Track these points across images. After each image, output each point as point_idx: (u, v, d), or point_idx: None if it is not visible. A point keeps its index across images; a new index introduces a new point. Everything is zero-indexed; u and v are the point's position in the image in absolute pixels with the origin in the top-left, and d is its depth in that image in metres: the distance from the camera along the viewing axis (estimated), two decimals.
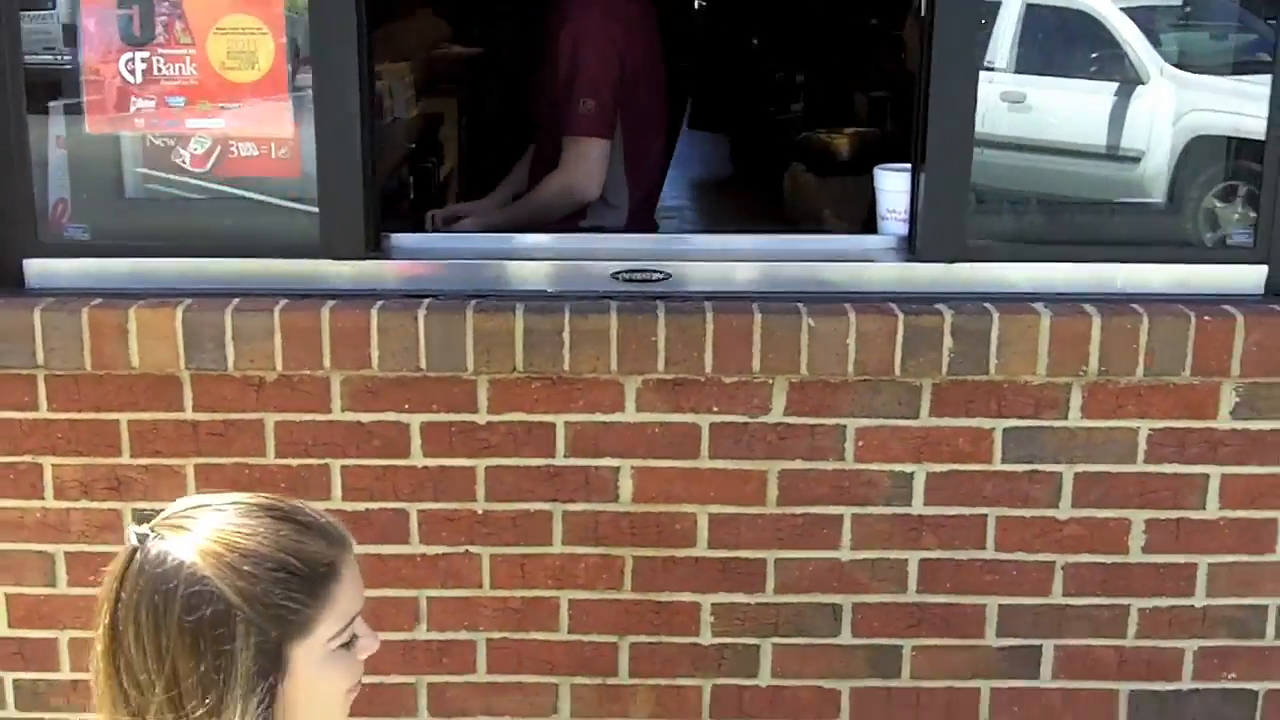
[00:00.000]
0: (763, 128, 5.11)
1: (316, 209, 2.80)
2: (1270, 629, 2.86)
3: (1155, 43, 3.64)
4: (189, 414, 2.78)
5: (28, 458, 2.81)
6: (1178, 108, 3.39)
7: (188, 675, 1.49)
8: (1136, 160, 3.23)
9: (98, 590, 1.57)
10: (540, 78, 3.38)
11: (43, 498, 2.83)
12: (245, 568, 1.51)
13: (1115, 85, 3.60)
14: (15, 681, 2.93)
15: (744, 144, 5.25)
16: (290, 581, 1.52)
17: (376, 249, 2.84)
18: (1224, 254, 2.88)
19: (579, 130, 3.24)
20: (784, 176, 5.24)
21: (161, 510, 1.61)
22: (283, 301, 2.73)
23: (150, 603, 1.50)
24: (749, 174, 4.75)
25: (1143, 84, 3.56)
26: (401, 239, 2.92)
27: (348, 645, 1.58)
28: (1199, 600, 2.84)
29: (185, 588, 1.49)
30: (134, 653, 1.51)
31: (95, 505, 2.83)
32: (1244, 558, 2.81)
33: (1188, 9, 3.54)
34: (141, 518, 1.62)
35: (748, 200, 5.53)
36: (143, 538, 1.55)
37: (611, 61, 3.25)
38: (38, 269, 2.85)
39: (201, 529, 1.54)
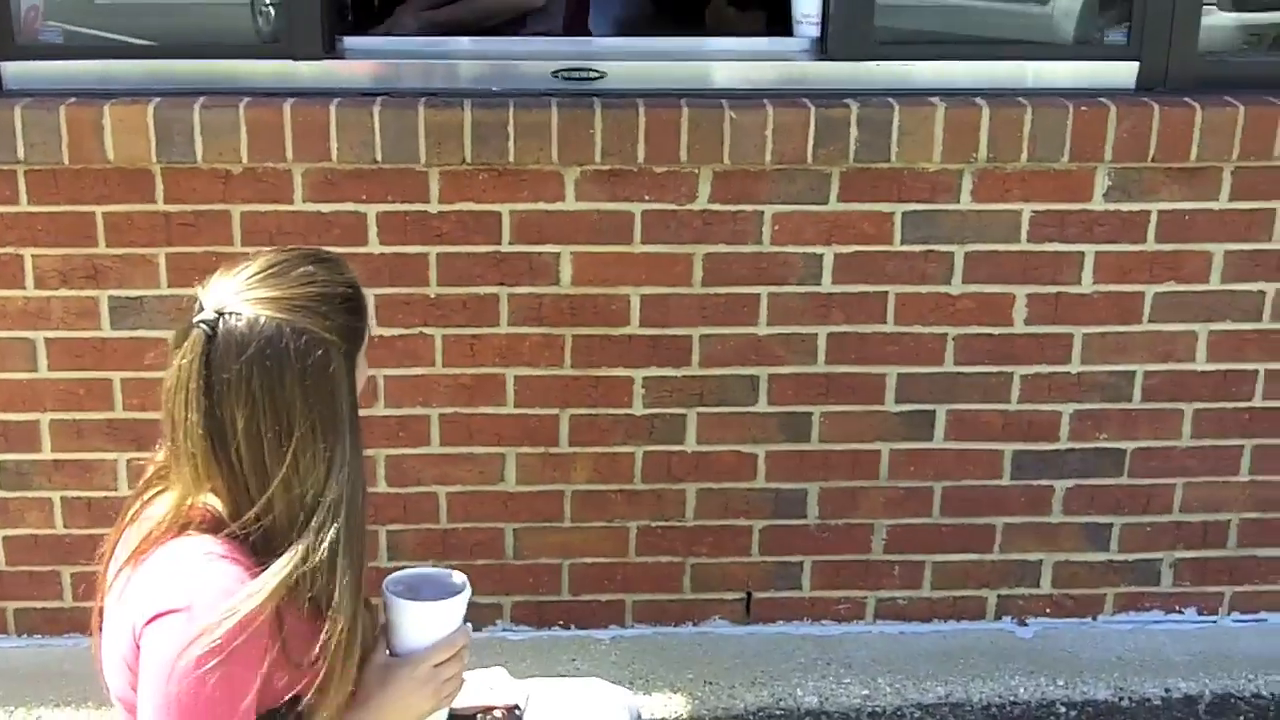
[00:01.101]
0: None
1: (278, 11, 3.15)
2: (1137, 393, 3.37)
3: None
4: (160, 205, 3.14)
5: (9, 249, 3.16)
6: None
7: (304, 419, 1.76)
8: None
9: (166, 378, 1.78)
10: None
11: (24, 287, 3.19)
12: (323, 309, 1.79)
13: None
14: None
15: None
16: (351, 305, 1.85)
17: (333, 50, 3.21)
18: (1101, 51, 3.34)
19: None
20: (705, 10, 5.63)
21: (194, 298, 1.81)
22: (246, 99, 3.08)
23: (263, 366, 1.73)
24: (672, 11, 5.10)
25: None
26: (356, 41, 3.29)
27: None
28: (1074, 367, 3.34)
29: (293, 341, 1.75)
30: (243, 419, 1.74)
31: (73, 293, 3.19)
32: (1116, 328, 3.31)
33: None
34: (193, 302, 1.81)
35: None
36: (213, 323, 1.75)
37: None
38: (14, 71, 3.18)
39: (268, 294, 1.77)
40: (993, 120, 3.11)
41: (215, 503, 1.81)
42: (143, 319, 3.19)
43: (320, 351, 1.77)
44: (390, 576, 1.99)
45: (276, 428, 1.76)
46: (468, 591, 1.99)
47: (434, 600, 1.96)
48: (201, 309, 1.77)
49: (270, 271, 1.81)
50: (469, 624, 1.99)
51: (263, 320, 1.75)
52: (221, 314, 1.75)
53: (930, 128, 3.11)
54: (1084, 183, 3.20)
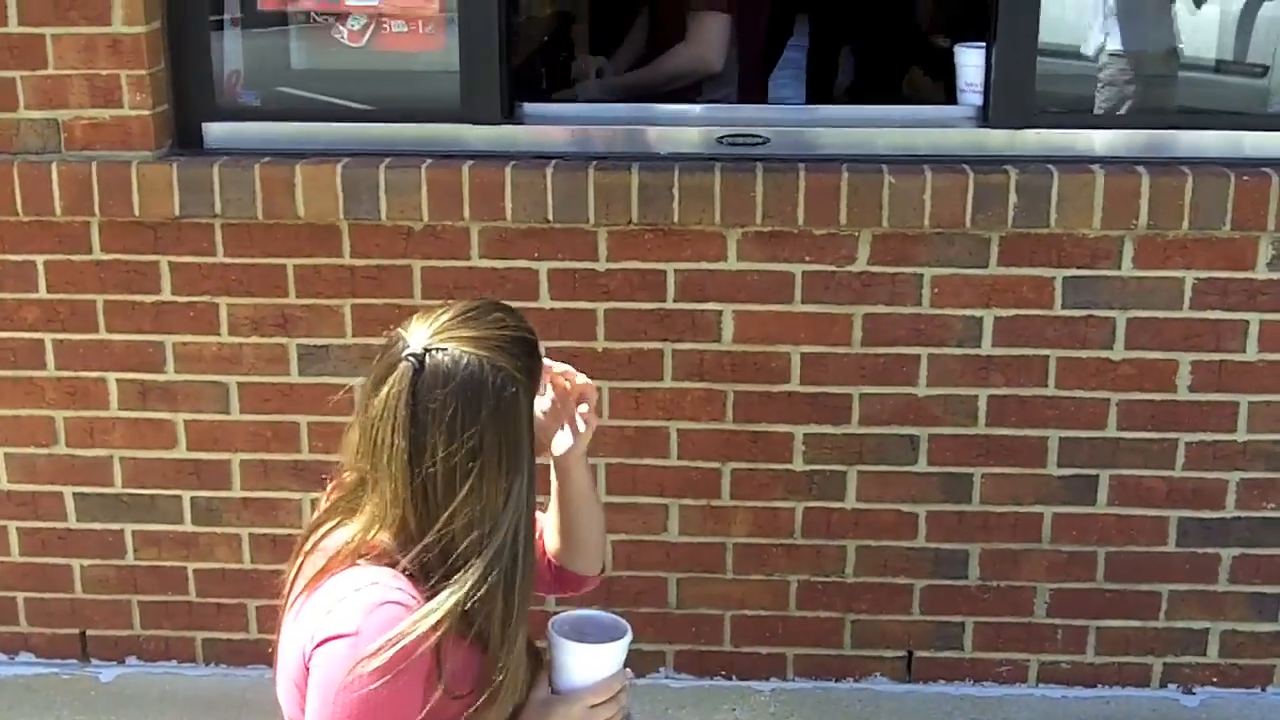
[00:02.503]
0: (887, 38, 5.79)
1: (459, 80, 3.53)
2: None
3: None
4: (347, 259, 3.53)
5: (206, 298, 3.58)
6: None
7: (492, 451, 1.97)
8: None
9: (366, 404, 2.00)
10: None
11: (219, 334, 3.60)
12: (514, 349, 2.02)
13: None
14: (192, 499, 3.72)
15: (868, 54, 5.88)
16: (534, 349, 2.12)
17: (511, 115, 3.57)
18: (1267, 121, 3.53)
19: (705, 5, 3.92)
20: (903, 81, 6.01)
21: (384, 342, 2.03)
22: (428, 161, 3.46)
23: (464, 397, 1.96)
24: (871, 81, 5.46)
25: None
26: (533, 107, 3.64)
27: None
28: (1240, 435, 3.51)
29: (492, 376, 1.97)
30: (443, 447, 1.95)
31: (264, 340, 3.59)
32: None
33: None
34: (393, 342, 2.01)
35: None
36: (420, 356, 1.97)
37: None
38: (215, 131, 3.62)
39: (467, 333, 2.00)
40: (1153, 187, 3.32)
41: (387, 538, 2.01)
42: (328, 366, 3.59)
43: (512, 388, 2.00)
44: (557, 617, 2.21)
45: (469, 459, 1.96)
46: (629, 637, 2.19)
47: (596, 643, 2.17)
48: (406, 345, 2.00)
49: (467, 316, 2.04)
50: (629, 670, 2.20)
51: (466, 357, 1.98)
52: (428, 350, 1.97)
53: (1090, 194, 3.33)
54: (1247, 251, 3.38)
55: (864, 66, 5.57)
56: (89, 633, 3.85)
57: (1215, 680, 3.68)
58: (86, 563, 3.79)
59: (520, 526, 2.04)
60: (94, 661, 3.87)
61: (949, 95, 3.82)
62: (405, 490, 1.99)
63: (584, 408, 2.32)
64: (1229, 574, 3.60)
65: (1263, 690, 3.68)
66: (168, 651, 3.85)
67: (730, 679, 3.76)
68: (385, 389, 1.99)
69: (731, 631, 3.72)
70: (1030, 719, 3.63)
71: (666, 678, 3.75)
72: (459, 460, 1.97)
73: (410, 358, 1.98)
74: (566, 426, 2.32)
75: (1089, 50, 3.81)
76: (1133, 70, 3.81)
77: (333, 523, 2.11)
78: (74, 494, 3.74)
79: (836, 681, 3.75)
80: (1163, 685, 3.70)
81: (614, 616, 2.25)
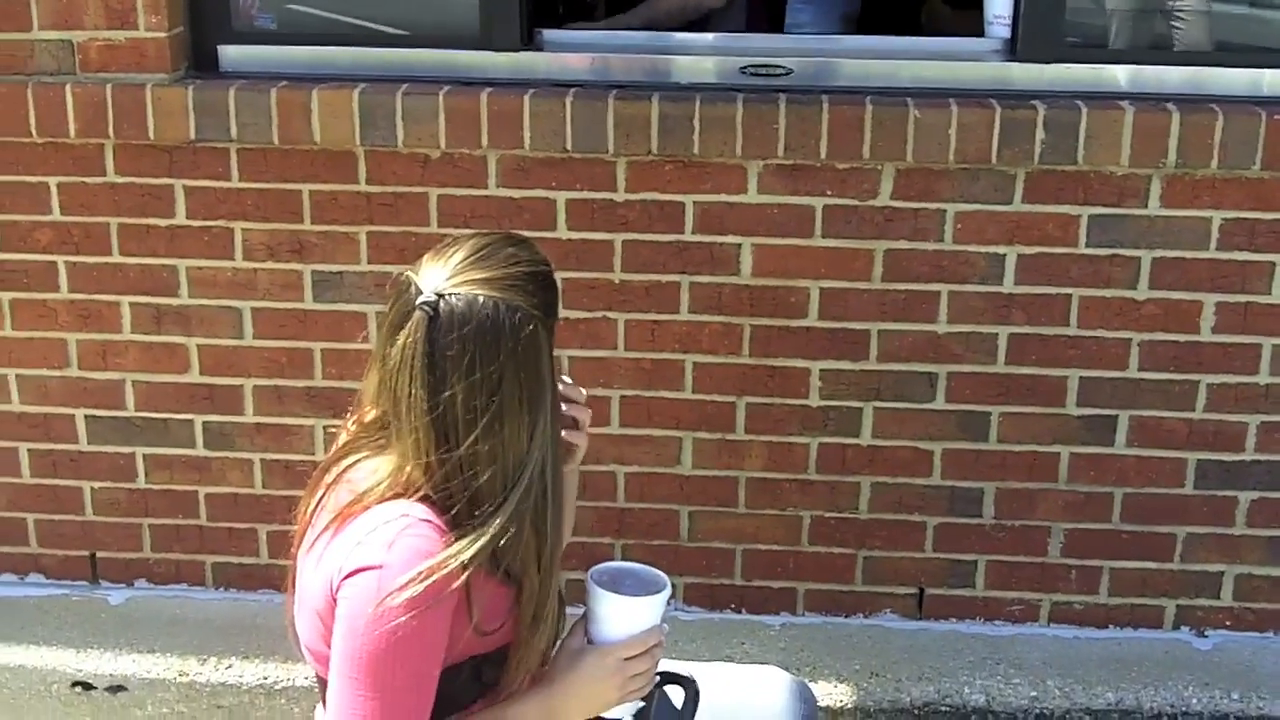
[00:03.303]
0: None
1: (478, 5, 3.57)
2: None
3: None
4: (363, 186, 3.59)
5: (221, 223, 3.65)
6: None
7: (513, 390, 2.03)
8: None
9: (384, 354, 2.07)
10: None
11: (233, 258, 3.67)
12: (530, 286, 2.07)
13: None
14: (204, 423, 3.81)
15: None
16: (550, 282, 2.16)
17: (530, 42, 3.62)
18: None
19: None
20: (920, 10, 6.03)
21: (398, 279, 2.09)
22: (446, 87, 3.51)
23: (482, 341, 2.01)
24: (888, 9, 5.48)
25: None
26: (552, 34, 3.69)
27: None
28: (1263, 378, 3.57)
29: (508, 317, 2.02)
30: (463, 392, 2.01)
31: (279, 266, 3.66)
32: None
33: None
34: (405, 287, 2.07)
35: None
36: (433, 303, 2.01)
37: None
38: (231, 54, 3.68)
39: (481, 274, 2.04)
40: (1183, 125, 3.36)
41: (417, 474, 2.07)
42: (343, 293, 3.66)
43: (530, 326, 2.05)
44: (596, 567, 2.28)
45: (490, 399, 2.02)
46: (668, 591, 2.26)
47: (634, 595, 2.23)
48: (419, 292, 2.04)
49: (479, 255, 2.09)
50: (665, 625, 2.26)
51: (480, 299, 2.02)
52: (441, 295, 2.02)
53: (1118, 131, 3.37)
54: (1276, 192, 3.43)
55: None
56: (99, 555, 3.95)
57: (1229, 624, 3.77)
58: (97, 485, 3.88)
59: (547, 460, 2.12)
60: (104, 584, 3.98)
61: (968, 25, 3.86)
62: (427, 436, 2.05)
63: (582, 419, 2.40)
64: (1246, 517, 3.68)
65: (1276, 634, 3.77)
66: (178, 575, 3.95)
67: (740, 613, 3.85)
68: (401, 339, 2.04)
69: (743, 566, 3.81)
70: (1041, 659, 3.71)
71: (676, 610, 3.85)
72: (480, 403, 2.03)
73: (424, 306, 2.02)
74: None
75: None
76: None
77: (358, 456, 2.17)
78: (86, 416, 3.83)
79: (847, 618, 3.84)
80: (1175, 627, 3.79)
81: (653, 570, 2.31)
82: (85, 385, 3.80)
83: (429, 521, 2.04)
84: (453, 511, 2.06)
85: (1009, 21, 3.58)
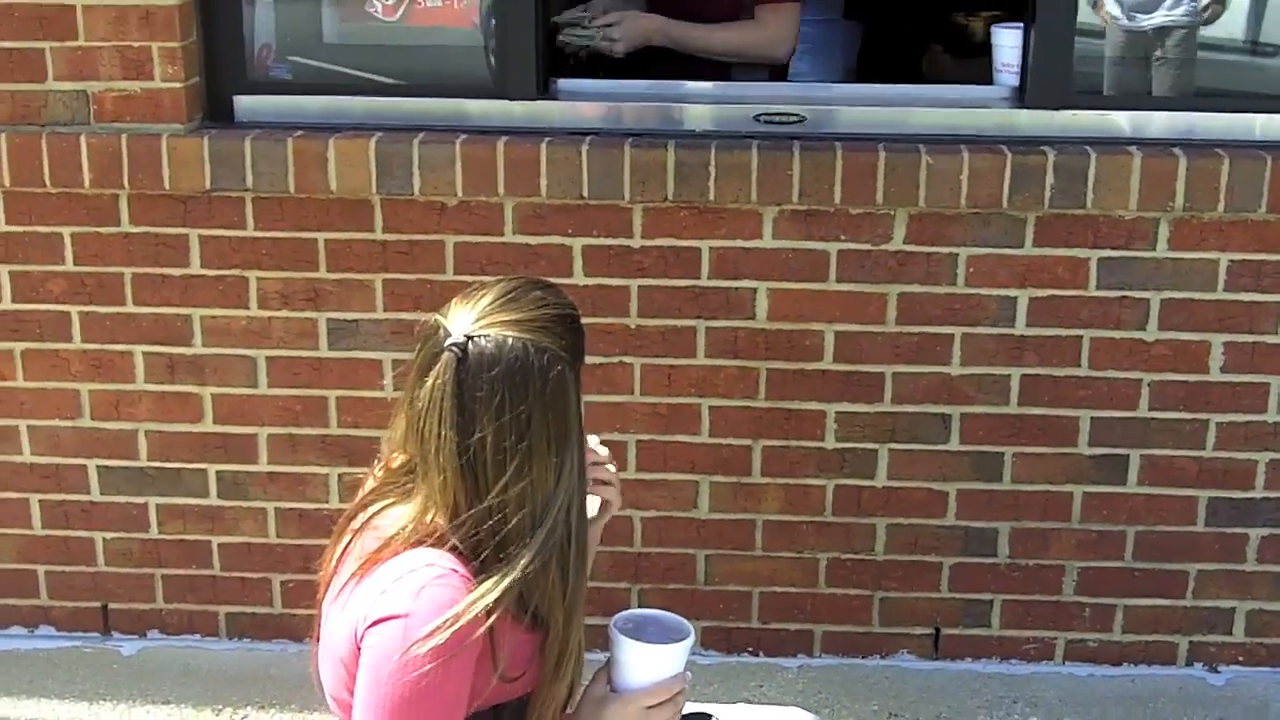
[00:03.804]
0: (899, 14, 5.95)
1: (494, 55, 3.68)
2: None
3: None
4: (379, 234, 3.68)
5: (236, 271, 3.72)
6: None
7: (541, 433, 2.06)
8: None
9: (412, 396, 2.10)
10: None
11: (248, 307, 3.75)
12: (558, 329, 2.10)
13: None
14: (218, 473, 3.88)
15: (882, 30, 6.03)
16: (577, 325, 2.17)
17: (546, 91, 3.73)
18: None
19: None
20: (922, 58, 6.19)
21: (426, 324, 2.13)
22: (463, 136, 3.61)
23: (511, 382, 2.04)
24: (888, 58, 5.64)
25: None
26: (567, 83, 3.79)
27: None
28: (1271, 417, 3.69)
29: (537, 359, 2.05)
30: (492, 433, 2.04)
31: (294, 314, 3.74)
32: None
33: None
34: (433, 330, 2.11)
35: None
36: (462, 345, 2.05)
37: None
38: (246, 104, 3.76)
39: (509, 317, 2.08)
40: (1189, 170, 3.49)
41: (442, 521, 2.09)
42: (358, 341, 3.74)
43: (559, 368, 2.08)
44: (620, 614, 2.32)
45: (519, 441, 2.05)
46: (691, 639, 2.29)
47: (657, 643, 2.26)
48: (447, 335, 2.07)
49: (507, 297, 2.12)
50: (688, 673, 2.29)
51: (510, 341, 2.05)
52: (470, 337, 2.05)
53: (1126, 176, 3.49)
54: None
55: (881, 43, 5.73)
56: (111, 606, 4.01)
57: (1241, 659, 3.88)
58: (109, 536, 3.94)
59: (572, 503, 2.14)
60: (115, 635, 4.03)
61: (970, 74, 3.97)
62: (456, 479, 2.08)
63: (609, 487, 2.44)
64: (1257, 553, 3.80)
65: None
66: (191, 625, 4.01)
67: (757, 655, 3.94)
68: (430, 380, 2.07)
69: (760, 608, 3.90)
70: (1057, 697, 3.81)
71: (694, 654, 3.88)
72: (509, 445, 2.06)
73: (453, 348, 2.06)
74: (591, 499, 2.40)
75: (1143, 25, 3.99)
76: (1179, 51, 3.99)
77: (385, 503, 2.20)
78: (98, 467, 3.89)
79: (864, 659, 3.93)
80: (1189, 664, 3.90)
81: (677, 617, 2.35)
82: (98, 435, 3.86)
83: (456, 571, 2.07)
84: (481, 557, 2.08)
85: (1017, 69, 3.70)
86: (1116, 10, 4.02)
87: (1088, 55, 3.66)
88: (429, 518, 2.12)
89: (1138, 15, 4.02)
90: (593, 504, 2.39)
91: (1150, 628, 3.87)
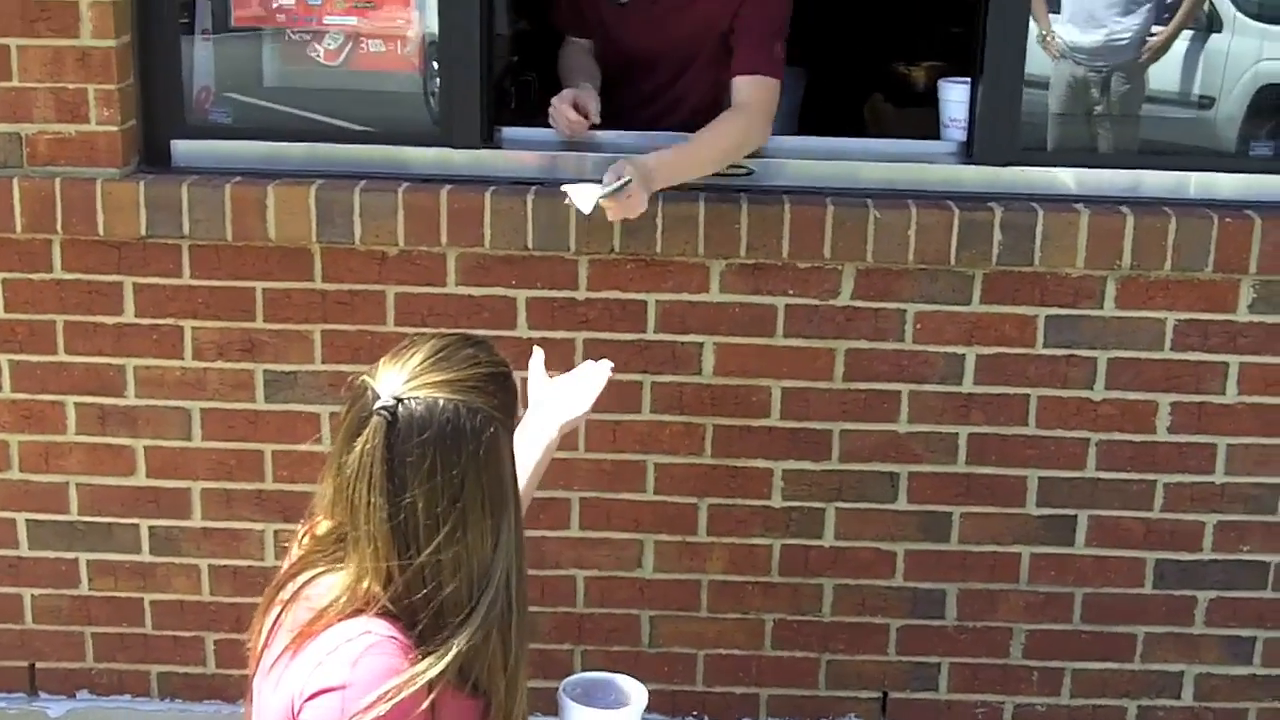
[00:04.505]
0: (842, 62, 6.08)
1: (438, 102, 3.71)
2: None
3: None
4: (318, 284, 3.69)
5: (170, 320, 3.72)
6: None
7: (475, 496, 2.05)
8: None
9: (340, 461, 2.09)
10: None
11: (183, 358, 3.75)
12: (490, 388, 2.10)
13: None
14: (150, 528, 3.86)
15: (823, 78, 6.14)
16: (509, 383, 2.18)
17: (490, 140, 3.76)
18: (1249, 164, 3.79)
19: (774, 73, 3.69)
20: (864, 107, 6.30)
21: (356, 384, 2.12)
22: (405, 184, 3.63)
23: (443, 446, 2.03)
24: (831, 107, 5.75)
25: None
26: (512, 131, 3.83)
27: None
28: (1218, 478, 3.75)
29: (469, 420, 2.05)
30: (424, 497, 2.02)
31: (230, 365, 3.74)
32: (1260, 440, 3.72)
33: None
34: (361, 391, 2.10)
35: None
36: (392, 408, 2.03)
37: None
38: (184, 149, 3.78)
39: (440, 377, 2.07)
40: (1137, 228, 3.56)
41: (377, 589, 2.06)
42: (295, 393, 3.74)
43: (492, 428, 2.08)
44: (569, 679, 2.34)
45: (452, 504, 2.04)
46: (642, 703, 2.31)
47: (607, 708, 2.29)
48: (376, 397, 2.05)
49: (438, 356, 2.11)
50: None
51: (441, 402, 2.05)
52: (400, 400, 2.04)
53: (1074, 233, 3.56)
54: (1228, 293, 3.62)
55: (824, 91, 5.83)
56: (38, 665, 3.97)
57: None
58: (38, 592, 3.91)
59: (511, 569, 2.12)
60: (43, 695, 4.00)
61: (911, 123, 4.03)
62: (387, 545, 2.05)
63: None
64: (1205, 616, 3.84)
65: None
66: (121, 685, 3.98)
67: (703, 719, 3.94)
68: (359, 445, 2.05)
69: (705, 671, 3.91)
70: None
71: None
72: (441, 509, 2.04)
73: (383, 411, 2.04)
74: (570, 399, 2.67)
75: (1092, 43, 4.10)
76: (1123, 107, 4.09)
77: (315, 571, 2.17)
78: (27, 521, 3.87)
79: None
80: None
81: (629, 680, 2.37)
82: (27, 488, 3.84)
83: (393, 638, 2.04)
84: (418, 627, 2.06)
85: (965, 124, 3.77)
86: (1067, 34, 4.12)
87: (1034, 111, 3.73)
88: (363, 586, 2.09)
89: (1085, 33, 4.12)
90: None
91: (1099, 691, 3.90)
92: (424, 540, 2.04)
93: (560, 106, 3.67)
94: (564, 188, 3.30)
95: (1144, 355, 3.68)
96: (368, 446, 2.04)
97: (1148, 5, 4.26)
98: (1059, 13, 4.20)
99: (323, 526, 2.21)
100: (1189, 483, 3.76)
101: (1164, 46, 4.18)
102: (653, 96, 3.92)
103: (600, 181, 3.27)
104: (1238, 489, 3.76)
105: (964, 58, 3.75)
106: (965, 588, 3.83)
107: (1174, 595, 3.83)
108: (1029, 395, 3.71)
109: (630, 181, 3.22)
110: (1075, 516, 3.79)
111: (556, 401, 2.85)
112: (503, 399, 2.15)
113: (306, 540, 2.26)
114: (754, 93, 3.68)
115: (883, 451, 3.75)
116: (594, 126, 3.68)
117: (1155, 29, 4.23)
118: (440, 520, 2.04)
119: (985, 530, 3.80)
